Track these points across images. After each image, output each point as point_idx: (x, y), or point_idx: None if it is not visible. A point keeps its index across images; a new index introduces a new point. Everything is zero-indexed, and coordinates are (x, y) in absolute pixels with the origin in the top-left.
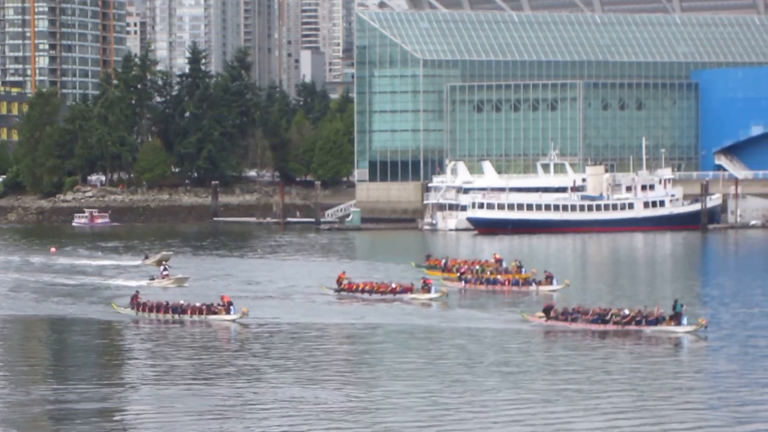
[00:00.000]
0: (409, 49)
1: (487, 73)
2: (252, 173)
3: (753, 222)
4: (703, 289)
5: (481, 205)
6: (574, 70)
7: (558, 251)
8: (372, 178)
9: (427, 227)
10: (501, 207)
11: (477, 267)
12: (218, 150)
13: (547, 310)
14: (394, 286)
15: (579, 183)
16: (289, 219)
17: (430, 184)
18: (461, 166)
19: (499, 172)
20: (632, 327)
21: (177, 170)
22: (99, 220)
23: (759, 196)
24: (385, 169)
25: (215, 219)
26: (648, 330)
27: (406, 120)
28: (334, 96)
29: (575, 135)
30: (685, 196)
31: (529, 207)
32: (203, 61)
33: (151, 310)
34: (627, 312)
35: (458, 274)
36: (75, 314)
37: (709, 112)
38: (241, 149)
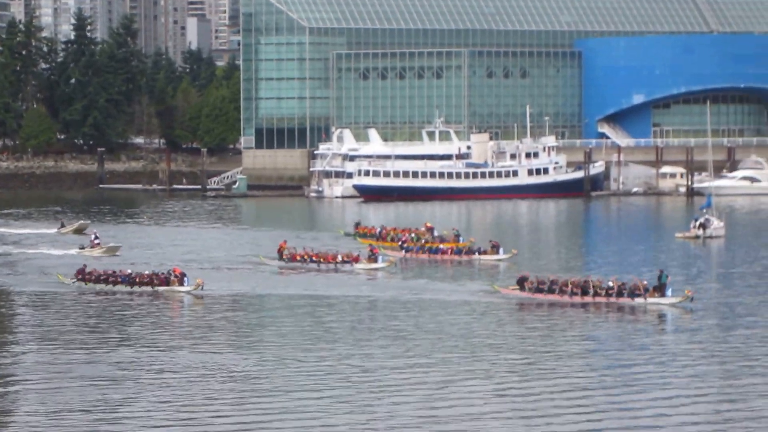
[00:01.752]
0: (295, 17)
1: (373, 41)
2: (138, 140)
3: (635, 189)
4: (586, 256)
5: (366, 173)
6: (459, 38)
7: (443, 218)
8: (258, 145)
9: (313, 194)
10: (387, 174)
11: (412, 235)
12: (104, 117)
13: (521, 282)
14: (339, 256)
15: (464, 151)
16: (176, 186)
17: (316, 152)
18: (347, 134)
19: (384, 139)
20: (612, 299)
21: (62, 137)
22: None
23: (641, 164)
24: (271, 137)
25: (101, 186)
26: (630, 302)
27: (292, 88)
28: (221, 63)
29: (460, 103)
30: (569, 164)
31: (415, 174)
32: (89, 27)
33: (97, 281)
34: (611, 284)
35: (400, 243)
36: (14, 285)
37: (592, 80)
38: (127, 116)
